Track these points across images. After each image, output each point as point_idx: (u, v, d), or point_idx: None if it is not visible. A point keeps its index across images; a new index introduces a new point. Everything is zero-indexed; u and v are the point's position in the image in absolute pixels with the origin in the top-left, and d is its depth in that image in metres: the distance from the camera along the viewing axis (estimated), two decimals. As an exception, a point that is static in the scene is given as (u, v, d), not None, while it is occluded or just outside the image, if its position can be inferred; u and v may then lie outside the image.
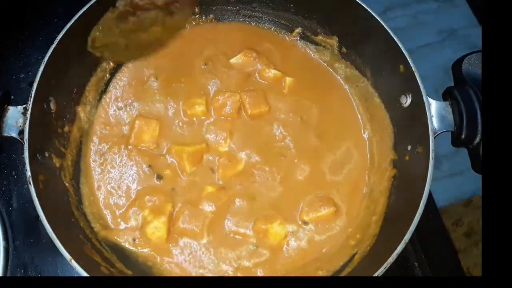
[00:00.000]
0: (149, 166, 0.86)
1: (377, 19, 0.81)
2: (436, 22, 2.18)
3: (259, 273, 0.81)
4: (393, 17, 2.15)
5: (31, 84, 0.75)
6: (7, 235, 0.89)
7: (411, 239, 0.70)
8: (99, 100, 0.92)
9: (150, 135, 0.87)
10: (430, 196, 0.72)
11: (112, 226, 0.82)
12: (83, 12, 0.80)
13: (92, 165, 0.87)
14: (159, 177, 0.86)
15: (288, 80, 0.94)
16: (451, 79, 0.80)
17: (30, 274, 0.87)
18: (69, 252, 0.66)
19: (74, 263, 0.66)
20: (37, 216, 0.68)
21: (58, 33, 0.78)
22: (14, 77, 1.02)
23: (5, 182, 0.94)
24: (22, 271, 0.87)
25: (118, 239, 0.81)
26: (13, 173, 0.95)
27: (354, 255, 0.80)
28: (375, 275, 0.68)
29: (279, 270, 0.81)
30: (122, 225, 0.83)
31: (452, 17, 2.19)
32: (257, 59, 0.95)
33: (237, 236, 0.83)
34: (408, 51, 0.79)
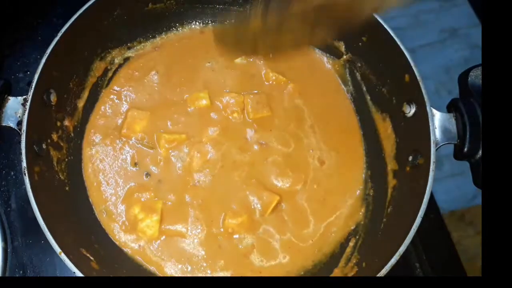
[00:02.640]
0: (138, 162, 0.86)
1: (387, 30, 0.80)
2: (438, 22, 2.18)
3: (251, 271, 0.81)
4: (394, 16, 2.15)
5: (29, 84, 0.74)
6: (6, 236, 0.88)
7: (412, 240, 0.69)
8: (100, 94, 0.91)
9: (142, 126, 0.87)
10: (431, 196, 0.72)
11: (104, 221, 0.83)
12: (88, 7, 0.80)
13: (88, 159, 0.86)
14: (148, 174, 0.85)
15: (291, 86, 0.94)
16: (452, 79, 0.79)
17: (29, 274, 0.87)
18: (59, 245, 0.66)
19: (63, 256, 0.65)
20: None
21: (57, 33, 0.78)
22: (12, 76, 1.02)
23: (3, 183, 0.93)
24: (21, 271, 0.87)
25: (109, 235, 0.81)
26: (12, 174, 0.94)
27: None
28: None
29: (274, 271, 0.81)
30: (113, 222, 0.83)
31: (454, 16, 2.19)
32: (262, 61, 0.95)
33: (222, 236, 0.83)
34: (409, 50, 0.78)
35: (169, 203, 0.83)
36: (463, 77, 0.76)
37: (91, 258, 0.74)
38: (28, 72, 1.03)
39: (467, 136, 0.72)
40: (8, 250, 0.88)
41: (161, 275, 0.80)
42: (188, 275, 0.80)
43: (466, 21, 2.16)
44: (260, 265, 0.81)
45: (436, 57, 2.03)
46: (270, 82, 0.94)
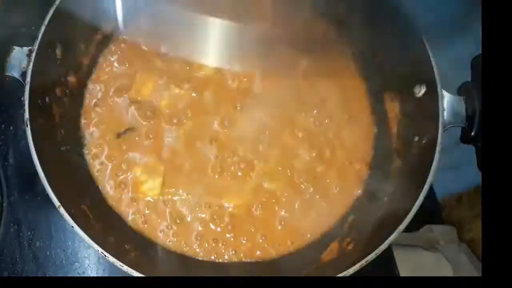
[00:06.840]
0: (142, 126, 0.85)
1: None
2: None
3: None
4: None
5: (33, 39, 0.72)
6: (2, 190, 0.88)
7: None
8: (107, 50, 0.89)
9: (149, 89, 0.86)
10: (430, 187, 0.71)
11: (102, 181, 0.82)
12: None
13: (90, 117, 0.85)
14: (151, 138, 0.84)
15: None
16: (457, 73, 0.78)
17: (24, 230, 0.86)
18: (58, 199, 0.65)
19: (62, 210, 0.64)
20: (35, 173, 0.66)
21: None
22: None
23: (2, 137, 0.92)
24: (16, 226, 0.86)
25: (106, 195, 0.81)
26: (11, 128, 0.93)
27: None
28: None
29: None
30: (112, 184, 0.82)
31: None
32: None
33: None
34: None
35: (172, 166, 0.82)
36: (475, 61, 0.75)
37: (90, 215, 0.73)
38: (33, 28, 1.00)
39: (476, 120, 0.71)
40: (4, 204, 0.87)
41: (155, 238, 0.80)
42: (183, 243, 0.80)
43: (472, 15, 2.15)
44: (258, 243, 0.81)
45: (442, 50, 2.01)
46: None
